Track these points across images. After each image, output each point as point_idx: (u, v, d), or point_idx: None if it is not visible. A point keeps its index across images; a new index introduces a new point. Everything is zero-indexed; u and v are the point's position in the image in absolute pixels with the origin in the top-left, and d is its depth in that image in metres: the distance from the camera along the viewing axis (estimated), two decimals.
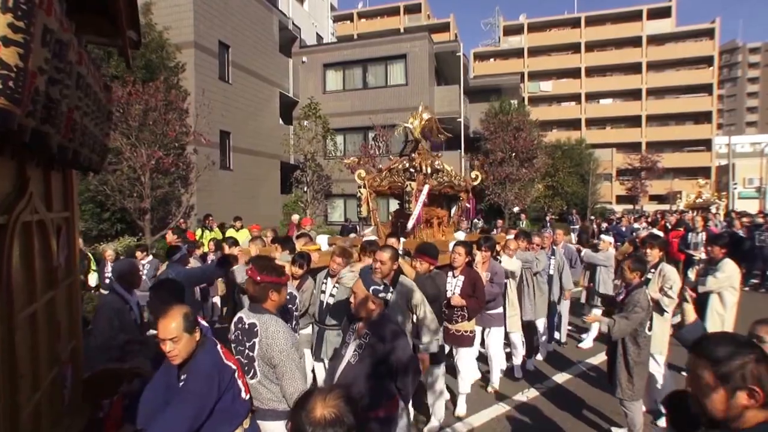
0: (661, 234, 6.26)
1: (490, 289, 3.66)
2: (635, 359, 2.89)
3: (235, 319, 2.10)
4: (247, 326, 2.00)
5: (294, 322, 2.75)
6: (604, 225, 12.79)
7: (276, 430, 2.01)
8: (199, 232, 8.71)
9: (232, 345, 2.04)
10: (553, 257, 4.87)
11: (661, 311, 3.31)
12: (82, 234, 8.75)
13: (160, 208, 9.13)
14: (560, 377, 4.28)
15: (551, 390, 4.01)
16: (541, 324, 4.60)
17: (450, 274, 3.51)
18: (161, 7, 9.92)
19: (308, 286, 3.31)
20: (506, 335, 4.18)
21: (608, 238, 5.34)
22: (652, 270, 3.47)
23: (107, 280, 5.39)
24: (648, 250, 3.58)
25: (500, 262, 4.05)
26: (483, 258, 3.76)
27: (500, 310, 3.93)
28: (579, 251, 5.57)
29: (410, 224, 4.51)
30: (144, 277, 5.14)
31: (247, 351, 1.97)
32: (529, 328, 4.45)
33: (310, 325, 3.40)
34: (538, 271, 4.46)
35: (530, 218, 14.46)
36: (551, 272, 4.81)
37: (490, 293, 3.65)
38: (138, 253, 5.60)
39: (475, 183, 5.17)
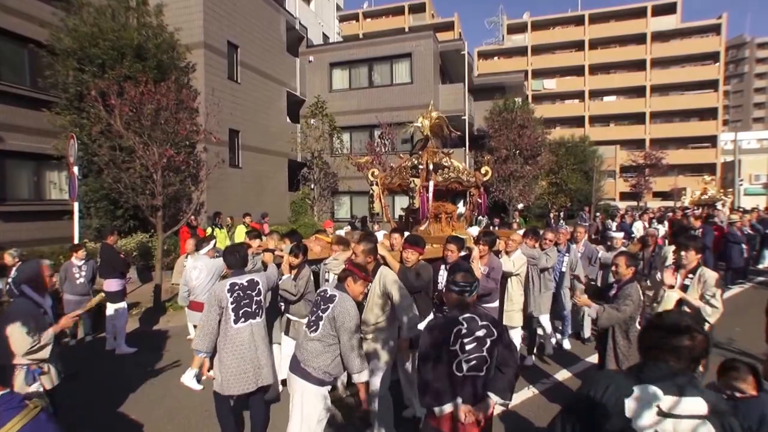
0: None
1: (485, 284, 3.62)
2: (625, 353, 2.92)
3: (320, 290, 2.71)
4: (328, 296, 2.53)
5: (278, 300, 3.20)
6: (609, 222, 12.84)
7: (298, 386, 2.45)
8: (209, 230, 8.90)
9: (312, 306, 2.63)
10: (567, 254, 4.73)
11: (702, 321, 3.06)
12: (96, 231, 8.98)
13: (172, 206, 9.29)
14: (565, 374, 4.28)
15: (557, 385, 4.01)
16: (545, 320, 4.59)
17: (443, 267, 3.56)
18: (172, 9, 10.09)
19: (304, 274, 3.50)
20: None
21: (619, 235, 5.23)
22: (690, 275, 3.20)
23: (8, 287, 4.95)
24: (684, 253, 3.24)
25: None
26: (480, 252, 3.73)
27: (496, 304, 3.90)
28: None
29: (424, 221, 4.60)
30: (82, 279, 5.01)
31: (320, 312, 2.50)
32: (528, 324, 4.42)
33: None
34: (546, 267, 4.39)
35: (527, 215, 14.50)
36: (563, 269, 4.71)
37: (484, 288, 3.61)
38: (79, 253, 5.12)
39: (486, 178, 5.15)
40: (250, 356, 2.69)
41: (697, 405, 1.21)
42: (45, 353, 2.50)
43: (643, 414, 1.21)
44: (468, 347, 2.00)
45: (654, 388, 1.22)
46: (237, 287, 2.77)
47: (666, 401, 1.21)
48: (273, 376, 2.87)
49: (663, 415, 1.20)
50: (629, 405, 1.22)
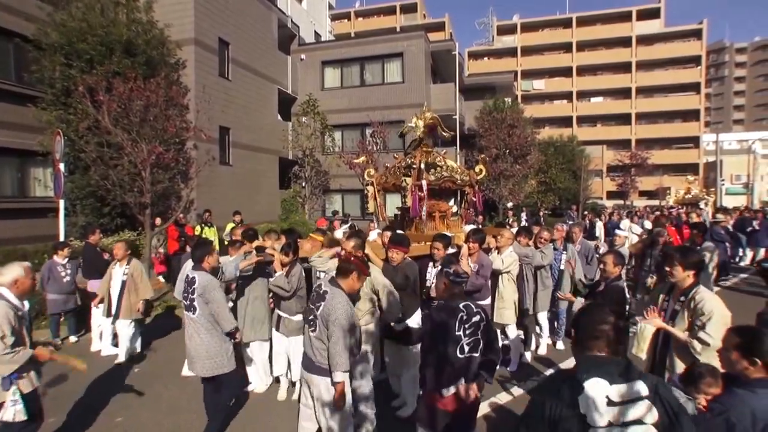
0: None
1: (474, 281, 3.66)
2: None
3: (315, 285, 2.76)
4: (322, 292, 2.55)
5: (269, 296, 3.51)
6: (597, 220, 13.08)
7: (320, 384, 2.49)
8: (198, 228, 8.81)
9: (309, 303, 2.67)
10: (564, 252, 4.75)
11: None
12: (81, 228, 8.81)
13: (161, 203, 9.18)
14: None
15: None
16: (543, 317, 4.61)
17: (431, 264, 3.63)
18: (162, 5, 9.95)
19: (296, 271, 3.55)
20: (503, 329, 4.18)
21: (623, 233, 5.29)
22: (682, 298, 2.40)
23: None
24: (669, 269, 2.47)
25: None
26: (470, 249, 3.76)
27: (488, 301, 3.92)
28: (597, 248, 5.46)
29: (423, 216, 4.66)
30: (68, 278, 5.02)
31: (315, 310, 2.52)
32: (521, 322, 4.44)
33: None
34: (542, 264, 4.41)
35: (516, 214, 14.76)
36: (562, 267, 4.72)
37: (474, 285, 3.65)
38: (63, 251, 5.06)
39: (479, 177, 5.18)
40: (188, 343, 2.97)
41: (639, 388, 1.27)
42: (5, 369, 2.30)
43: (596, 407, 1.26)
44: (468, 331, 2.28)
45: (600, 380, 1.27)
46: (186, 279, 3.00)
47: (612, 390, 1.26)
48: (208, 371, 2.92)
49: (613, 404, 1.26)
50: (582, 402, 1.26)
